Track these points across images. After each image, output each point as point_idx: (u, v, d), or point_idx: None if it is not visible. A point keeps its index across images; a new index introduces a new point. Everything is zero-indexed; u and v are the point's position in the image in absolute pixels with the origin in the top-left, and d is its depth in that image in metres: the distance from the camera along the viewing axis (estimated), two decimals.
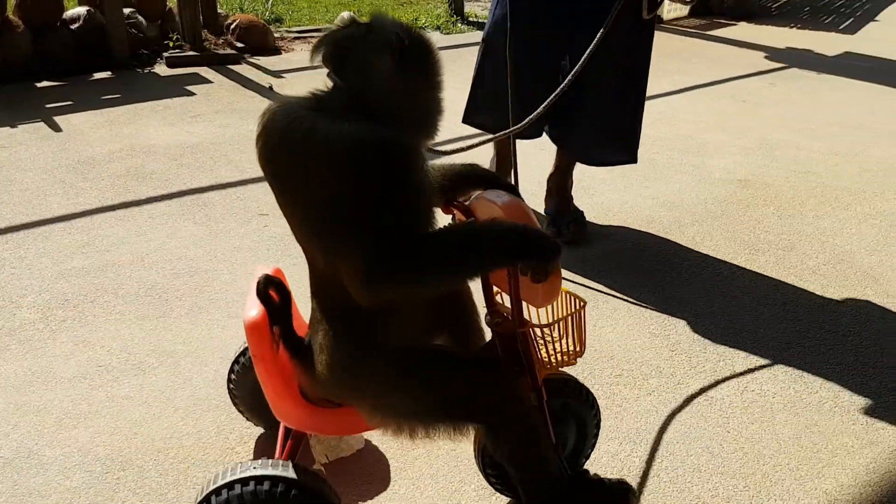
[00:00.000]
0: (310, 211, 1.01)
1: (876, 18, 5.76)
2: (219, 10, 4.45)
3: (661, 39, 4.79)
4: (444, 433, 1.09)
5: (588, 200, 2.51)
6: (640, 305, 1.97)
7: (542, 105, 1.80)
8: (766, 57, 4.48)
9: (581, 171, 2.43)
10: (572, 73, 1.86)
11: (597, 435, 1.39)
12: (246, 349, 1.37)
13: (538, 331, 1.21)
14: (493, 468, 1.30)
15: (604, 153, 2.28)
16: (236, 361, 1.41)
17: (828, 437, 1.54)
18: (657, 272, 2.14)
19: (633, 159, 2.30)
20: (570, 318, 1.24)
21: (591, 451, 1.40)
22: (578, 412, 1.33)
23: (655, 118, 3.39)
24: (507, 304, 1.18)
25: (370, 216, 0.96)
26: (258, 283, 1.11)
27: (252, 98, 3.48)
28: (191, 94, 3.51)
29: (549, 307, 1.23)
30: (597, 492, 1.20)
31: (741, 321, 1.91)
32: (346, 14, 1.08)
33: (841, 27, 5.45)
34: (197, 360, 1.72)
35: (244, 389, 1.41)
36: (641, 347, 1.80)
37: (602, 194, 2.62)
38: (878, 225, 2.45)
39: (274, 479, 1.07)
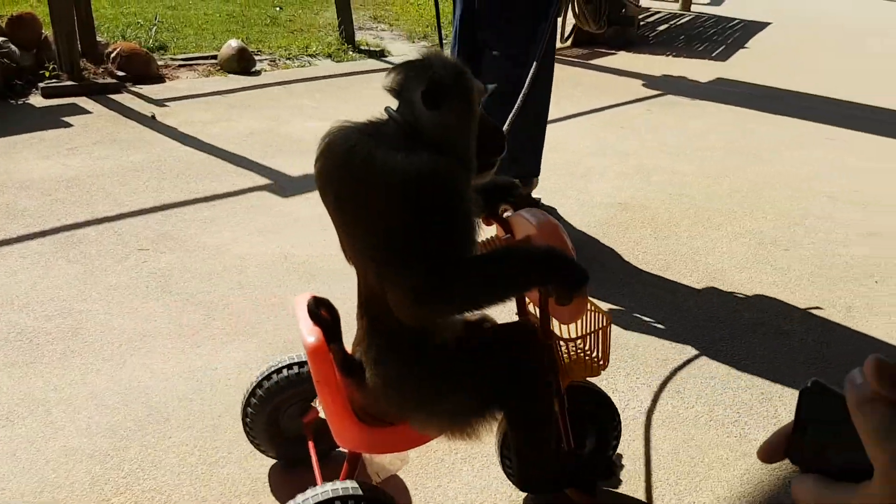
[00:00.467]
0: (366, 234, 1.09)
1: (745, 46, 6.13)
2: (98, 39, 4.30)
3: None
4: (483, 427, 1.18)
5: None
6: None
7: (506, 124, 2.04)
8: (643, 85, 4.69)
9: None
10: (521, 96, 2.09)
11: (617, 440, 1.50)
12: (261, 381, 1.41)
13: (564, 343, 1.35)
14: (510, 458, 1.42)
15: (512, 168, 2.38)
16: (252, 395, 1.42)
17: (704, 451, 1.61)
18: None
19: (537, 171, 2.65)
20: (595, 333, 1.36)
21: (613, 452, 1.51)
22: (599, 418, 1.48)
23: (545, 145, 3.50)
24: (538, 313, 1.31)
25: (422, 244, 1.04)
26: (309, 305, 1.18)
27: (133, 128, 3.37)
28: (68, 125, 3.37)
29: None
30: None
31: (620, 340, 1.98)
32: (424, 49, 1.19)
33: (714, 54, 5.78)
34: (69, 407, 1.64)
35: (261, 421, 1.43)
36: None
37: None
38: (748, 243, 2.59)
39: (349, 498, 1.15)
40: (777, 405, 1.77)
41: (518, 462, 1.26)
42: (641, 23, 6.53)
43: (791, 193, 3.04)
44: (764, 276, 2.37)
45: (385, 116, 1.14)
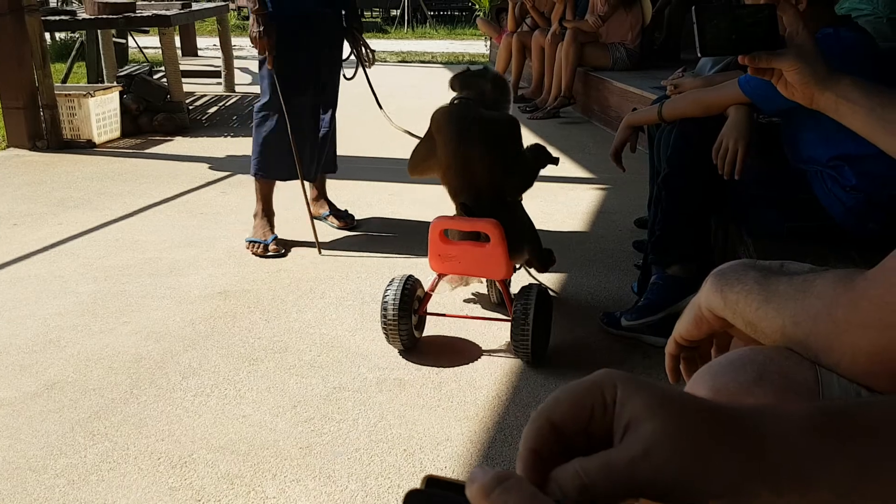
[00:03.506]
0: (483, 155, 2.14)
1: None
2: None
3: (99, 164, 4.60)
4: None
5: (66, 352, 2.19)
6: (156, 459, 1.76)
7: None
8: (210, 167, 4.60)
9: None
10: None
11: None
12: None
13: None
14: None
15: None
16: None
17: None
18: (159, 417, 1.95)
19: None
20: None
21: None
22: None
23: (114, 246, 3.20)
24: None
25: (518, 156, 2.26)
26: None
27: None
28: None
29: None
30: None
31: (249, 437, 1.84)
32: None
33: None
34: None
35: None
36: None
37: (78, 342, 2.32)
38: (352, 305, 2.64)
39: None
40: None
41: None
42: (190, 107, 6.44)
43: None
44: (374, 333, 2.43)
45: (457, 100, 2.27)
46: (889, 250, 0.60)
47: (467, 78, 2.28)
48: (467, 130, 2.14)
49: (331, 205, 3.54)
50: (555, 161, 2.43)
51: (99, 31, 6.05)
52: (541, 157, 2.39)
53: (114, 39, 6.66)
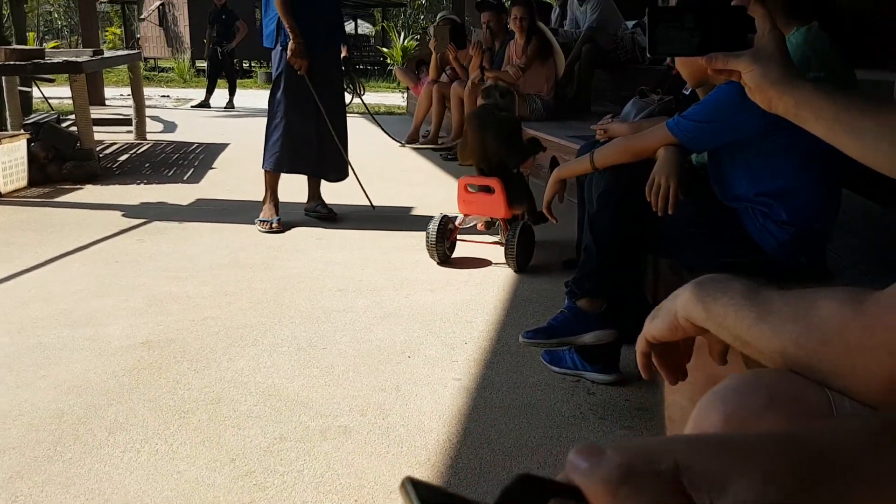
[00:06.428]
0: (498, 146, 3.36)
1: (213, 166, 6.25)
2: None
3: (5, 214, 4.36)
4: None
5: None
6: None
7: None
8: (124, 215, 4.41)
9: None
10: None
11: None
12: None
13: None
14: None
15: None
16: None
17: None
18: (86, 475, 1.80)
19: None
20: None
21: None
22: None
23: (26, 297, 3.00)
24: None
25: (517, 141, 3.48)
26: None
27: None
28: None
29: None
30: None
31: (186, 494, 1.73)
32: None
33: (185, 178, 5.75)
34: None
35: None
36: None
37: None
38: (288, 351, 2.54)
39: None
40: None
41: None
42: (101, 155, 6.21)
43: (309, 294, 3.11)
44: (314, 379, 2.34)
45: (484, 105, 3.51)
46: (821, 283, 0.60)
47: (486, 92, 3.55)
48: (485, 124, 3.39)
49: (321, 202, 4.41)
50: (543, 149, 3.67)
51: (4, 78, 5.79)
52: (533, 144, 3.56)
53: (18, 88, 6.39)
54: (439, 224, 3.40)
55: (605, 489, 0.33)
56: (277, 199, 4.22)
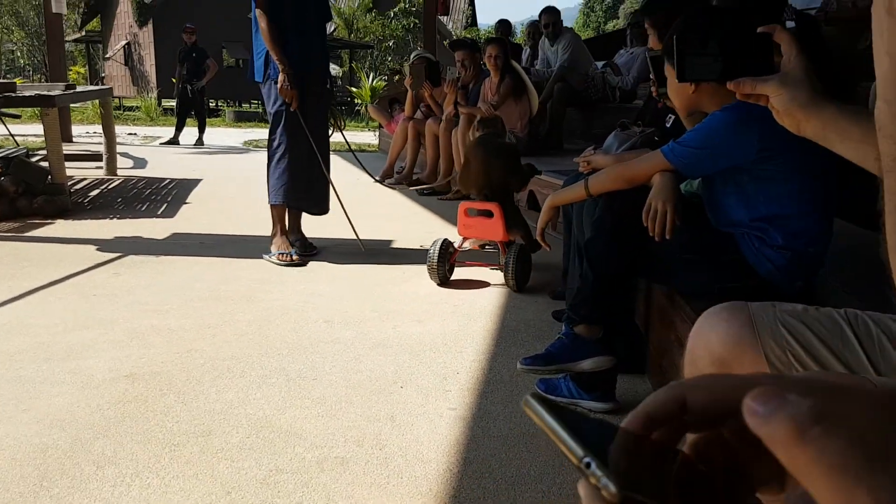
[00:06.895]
0: (498, 170, 3.61)
1: (187, 201, 6.18)
2: None
3: None
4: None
5: None
6: None
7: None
8: (98, 249, 4.33)
9: None
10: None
11: None
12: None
13: None
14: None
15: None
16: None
17: None
18: None
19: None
20: None
21: None
22: None
23: (2, 331, 2.91)
24: None
25: (516, 167, 3.73)
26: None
27: None
28: None
29: None
30: None
31: None
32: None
33: (160, 212, 5.67)
34: None
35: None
36: None
37: None
38: (277, 383, 2.49)
39: None
40: None
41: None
42: (72, 189, 6.10)
43: (294, 326, 3.06)
44: (306, 410, 2.29)
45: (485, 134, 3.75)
46: (817, 304, 0.57)
47: (485, 122, 3.84)
48: (488, 150, 3.64)
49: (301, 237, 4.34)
50: (539, 172, 3.95)
51: None
52: (531, 168, 3.79)
53: None
54: (440, 247, 3.59)
55: (794, 432, 0.31)
56: (287, 231, 4.23)
